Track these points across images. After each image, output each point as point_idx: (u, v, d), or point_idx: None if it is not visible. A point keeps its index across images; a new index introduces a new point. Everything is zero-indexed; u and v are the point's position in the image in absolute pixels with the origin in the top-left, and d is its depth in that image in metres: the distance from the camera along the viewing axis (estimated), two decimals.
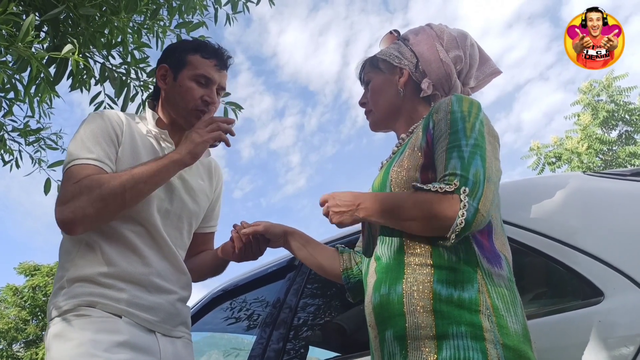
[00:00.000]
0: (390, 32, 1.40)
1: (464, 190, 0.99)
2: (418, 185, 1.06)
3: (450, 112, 1.11)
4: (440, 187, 1.01)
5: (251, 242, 1.48)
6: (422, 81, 1.31)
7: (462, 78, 1.33)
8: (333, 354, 1.95)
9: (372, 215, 1.12)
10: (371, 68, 1.38)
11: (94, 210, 1.27)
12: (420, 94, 1.31)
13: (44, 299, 17.32)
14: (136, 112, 2.49)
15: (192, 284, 1.58)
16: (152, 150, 1.49)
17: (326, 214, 1.20)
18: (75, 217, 1.26)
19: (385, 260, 1.12)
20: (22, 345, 17.53)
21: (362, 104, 1.40)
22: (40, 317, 17.60)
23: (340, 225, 1.18)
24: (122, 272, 1.36)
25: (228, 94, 2.60)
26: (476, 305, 0.98)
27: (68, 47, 1.58)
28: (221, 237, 2.11)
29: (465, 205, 0.98)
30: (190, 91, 1.49)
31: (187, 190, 1.53)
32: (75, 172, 1.32)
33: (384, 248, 1.14)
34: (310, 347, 1.98)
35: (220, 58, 1.55)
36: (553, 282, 1.29)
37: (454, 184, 1.00)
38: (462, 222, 0.98)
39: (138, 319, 1.35)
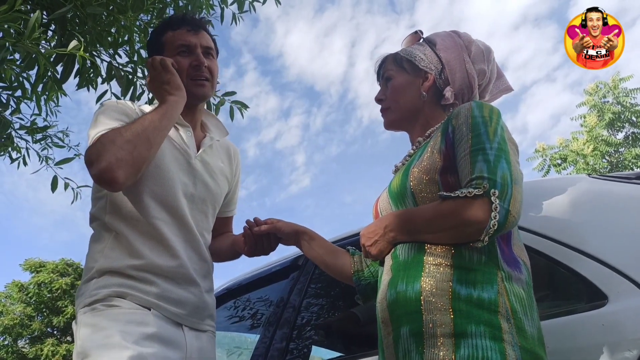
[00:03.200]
0: (415, 32, 1.38)
1: (494, 192, 0.99)
2: (445, 194, 1.05)
3: (472, 116, 1.12)
4: (469, 192, 1.01)
5: (262, 239, 1.48)
6: (444, 88, 1.30)
7: (480, 91, 1.33)
8: (336, 354, 1.95)
9: (402, 233, 1.13)
10: (394, 65, 1.35)
11: (126, 153, 1.24)
12: (442, 101, 1.30)
13: (49, 295, 17.41)
14: None
15: None
16: (172, 135, 1.48)
17: (367, 255, 1.22)
18: (111, 164, 1.22)
19: (403, 259, 1.12)
20: (27, 341, 17.63)
21: (379, 100, 1.38)
22: (45, 313, 17.70)
23: (380, 254, 1.18)
24: (151, 265, 1.35)
25: (234, 93, 2.62)
26: (495, 306, 0.98)
27: (74, 43, 1.59)
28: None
29: (496, 207, 0.98)
30: (179, 65, 1.48)
31: (209, 173, 1.53)
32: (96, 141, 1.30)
33: (402, 247, 1.14)
34: (314, 347, 1.98)
35: (189, 22, 1.52)
36: (557, 285, 1.29)
37: (483, 186, 1.00)
38: (495, 224, 0.98)
39: (167, 312, 1.35)
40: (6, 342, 17.17)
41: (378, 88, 1.41)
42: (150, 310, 1.32)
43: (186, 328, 1.39)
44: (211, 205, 1.54)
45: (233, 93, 2.61)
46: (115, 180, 1.23)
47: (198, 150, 1.52)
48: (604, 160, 12.41)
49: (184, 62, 1.48)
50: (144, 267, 1.35)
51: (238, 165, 1.70)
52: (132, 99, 2.57)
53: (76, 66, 2.22)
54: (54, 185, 3.05)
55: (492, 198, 0.99)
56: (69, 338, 17.25)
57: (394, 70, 1.35)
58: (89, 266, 1.39)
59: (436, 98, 1.32)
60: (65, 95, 2.91)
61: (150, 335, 1.27)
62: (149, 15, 2.61)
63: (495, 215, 0.98)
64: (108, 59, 2.49)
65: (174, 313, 1.36)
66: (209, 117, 1.66)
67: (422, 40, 1.38)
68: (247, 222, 1.50)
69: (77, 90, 2.55)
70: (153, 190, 1.39)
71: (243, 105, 2.61)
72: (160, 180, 1.40)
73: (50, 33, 2.40)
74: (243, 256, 1.59)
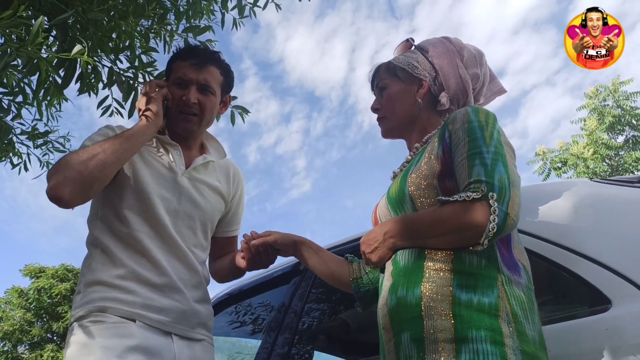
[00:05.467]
0: (407, 40, 1.40)
1: (492, 195, 1.00)
2: (443, 198, 1.06)
3: (468, 121, 1.13)
4: (467, 196, 1.01)
5: (260, 252, 1.49)
6: (439, 94, 1.31)
7: (474, 94, 1.34)
8: (338, 359, 1.95)
9: (402, 239, 1.13)
10: (388, 75, 1.37)
11: (75, 173, 1.30)
12: (437, 107, 1.31)
13: (48, 301, 17.37)
14: None
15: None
16: (159, 152, 1.54)
17: (367, 262, 1.22)
18: (58, 183, 1.29)
19: (403, 264, 1.12)
20: (27, 347, 17.56)
21: (374, 109, 1.39)
22: (45, 319, 17.64)
23: (381, 261, 1.18)
24: (133, 274, 1.39)
25: (235, 98, 2.62)
26: (496, 311, 0.98)
27: (77, 47, 1.60)
28: None
29: (495, 210, 0.99)
30: (173, 95, 1.55)
31: (198, 190, 1.56)
32: None
33: (403, 253, 1.14)
34: (316, 352, 1.98)
35: (196, 56, 1.57)
36: (560, 290, 1.29)
37: (481, 190, 1.01)
38: (494, 227, 0.99)
39: (151, 321, 1.37)
40: (6, 348, 17.10)
41: None
42: (135, 322, 1.34)
43: (176, 337, 1.41)
44: (200, 221, 1.56)
45: (234, 98, 2.60)
46: (61, 198, 1.30)
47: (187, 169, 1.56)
48: (604, 163, 12.39)
49: (177, 94, 1.55)
50: (126, 276, 1.38)
51: (239, 185, 1.72)
52: (132, 105, 2.57)
53: (77, 71, 2.22)
54: None
55: (491, 201, 1.00)
56: None
57: (388, 79, 1.36)
58: (79, 281, 1.44)
59: (432, 104, 1.33)
60: (67, 100, 2.91)
61: (134, 347, 1.30)
62: (150, 20, 2.61)
63: (494, 219, 0.99)
64: (109, 65, 2.49)
65: (159, 321, 1.38)
66: (210, 140, 1.71)
67: (413, 47, 1.39)
68: (245, 236, 1.52)
69: (78, 95, 2.55)
70: (133, 205, 1.44)
71: (244, 110, 2.61)
72: (139, 196, 1.45)
73: (51, 39, 2.40)
74: None
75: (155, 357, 1.33)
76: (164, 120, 1.57)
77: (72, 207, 1.37)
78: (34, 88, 2.55)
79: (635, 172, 11.87)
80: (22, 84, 2.58)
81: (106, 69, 2.49)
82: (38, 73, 2.01)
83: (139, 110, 1.52)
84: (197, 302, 1.49)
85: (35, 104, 2.69)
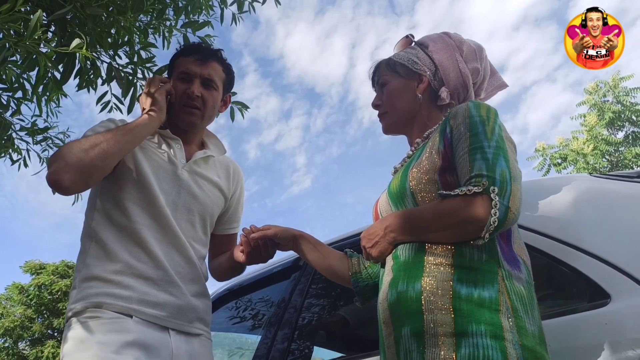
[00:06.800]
0: (407, 37, 1.40)
1: (493, 189, 1.00)
2: (445, 192, 1.06)
3: (469, 116, 1.13)
4: (468, 190, 1.02)
5: (260, 246, 1.48)
6: (439, 89, 1.31)
7: (475, 89, 1.35)
8: (338, 354, 1.95)
9: (403, 233, 1.13)
10: (388, 71, 1.37)
11: (76, 160, 1.31)
12: (438, 101, 1.32)
13: (49, 297, 17.40)
14: None
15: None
16: (160, 146, 1.54)
17: (368, 257, 1.22)
18: (59, 168, 1.29)
19: (404, 259, 1.12)
20: (28, 343, 17.60)
21: (375, 105, 1.40)
22: (45, 315, 17.68)
23: (381, 256, 1.18)
24: (129, 268, 1.38)
25: (234, 94, 2.62)
26: (496, 305, 0.99)
27: (76, 41, 1.59)
28: None
29: (496, 204, 0.99)
30: (176, 90, 1.56)
31: (198, 184, 1.56)
32: None
33: (403, 247, 1.14)
34: (315, 347, 1.98)
35: (199, 52, 1.60)
36: (559, 284, 1.29)
37: (482, 184, 1.01)
38: (495, 221, 0.99)
39: (147, 316, 1.36)
40: (7, 344, 17.14)
41: None
42: (131, 317, 1.34)
43: (173, 332, 1.40)
44: (199, 214, 1.56)
45: (233, 94, 2.60)
46: (60, 183, 1.30)
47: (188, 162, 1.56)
48: (604, 159, 12.38)
49: (180, 88, 1.56)
50: (122, 271, 1.38)
51: (238, 182, 1.73)
52: (132, 101, 2.57)
53: (77, 66, 2.22)
54: None
55: (492, 195, 1.00)
56: None
57: (389, 75, 1.37)
58: (74, 277, 1.44)
59: (432, 99, 1.33)
60: (66, 96, 2.90)
61: (131, 343, 1.29)
62: (149, 16, 2.61)
63: (495, 212, 0.99)
64: (108, 60, 2.49)
65: (155, 316, 1.38)
66: (210, 136, 1.72)
67: (413, 44, 1.40)
68: (244, 229, 1.52)
69: (77, 91, 2.54)
70: (134, 196, 1.45)
71: (243, 106, 2.60)
72: (140, 187, 1.46)
73: (50, 34, 2.40)
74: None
75: (152, 352, 1.32)
76: (166, 115, 1.57)
77: (70, 193, 1.36)
78: (33, 83, 2.55)
79: (635, 168, 11.87)
80: (21, 80, 2.58)
81: (105, 65, 2.49)
82: (37, 68, 2.00)
83: (144, 102, 1.53)
84: (195, 296, 1.49)
85: (34, 99, 2.68)
